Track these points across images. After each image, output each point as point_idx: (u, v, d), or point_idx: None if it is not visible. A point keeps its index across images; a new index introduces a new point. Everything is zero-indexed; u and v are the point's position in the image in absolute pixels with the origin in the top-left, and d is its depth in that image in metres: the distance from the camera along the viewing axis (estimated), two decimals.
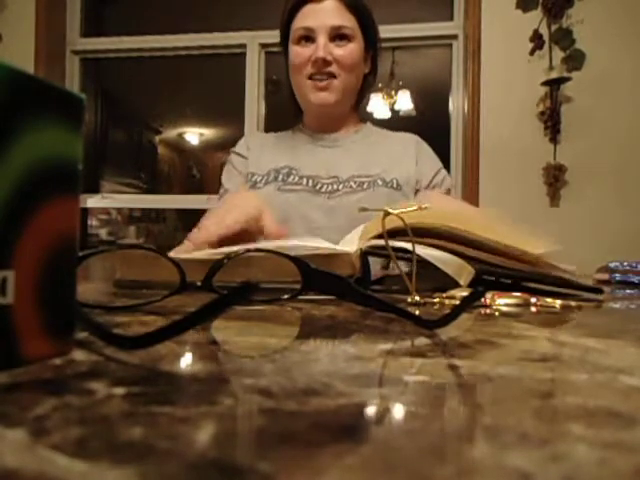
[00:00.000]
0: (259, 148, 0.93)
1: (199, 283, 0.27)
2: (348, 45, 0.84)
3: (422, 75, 2.22)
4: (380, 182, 0.84)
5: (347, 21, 0.83)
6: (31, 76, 0.13)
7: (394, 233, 0.38)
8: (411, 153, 0.90)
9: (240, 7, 2.23)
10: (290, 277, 0.29)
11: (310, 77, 0.83)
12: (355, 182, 0.84)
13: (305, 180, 0.85)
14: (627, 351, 0.18)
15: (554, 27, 1.79)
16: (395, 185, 0.85)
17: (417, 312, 0.27)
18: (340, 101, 0.86)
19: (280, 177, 0.86)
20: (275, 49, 2.20)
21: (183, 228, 2.82)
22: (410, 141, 0.93)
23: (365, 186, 0.84)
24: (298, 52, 0.84)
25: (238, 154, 0.95)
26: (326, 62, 0.82)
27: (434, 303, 0.30)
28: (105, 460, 0.08)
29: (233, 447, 0.09)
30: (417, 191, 0.88)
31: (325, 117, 0.90)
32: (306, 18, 0.83)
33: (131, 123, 2.70)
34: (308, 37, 0.84)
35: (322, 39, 0.82)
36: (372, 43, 0.89)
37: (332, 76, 0.84)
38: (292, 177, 0.86)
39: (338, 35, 0.83)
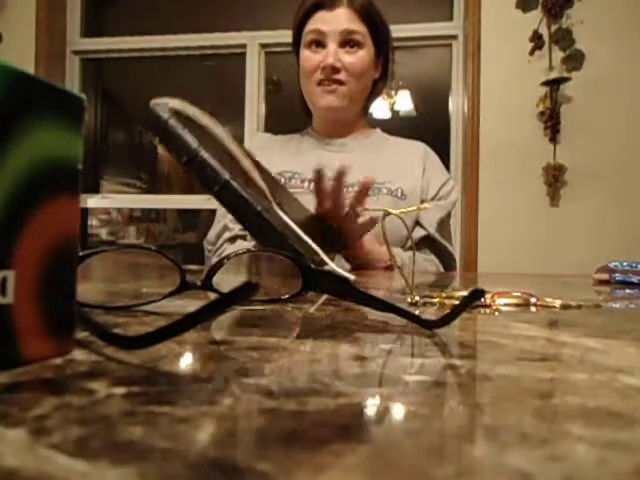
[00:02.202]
0: (266, 151, 0.92)
1: (199, 283, 0.27)
2: (358, 52, 0.84)
3: (422, 75, 2.22)
4: (385, 190, 0.84)
5: (358, 27, 0.84)
6: (31, 76, 0.13)
7: None
8: (418, 162, 0.90)
9: (240, 7, 2.23)
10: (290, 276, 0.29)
11: (319, 83, 0.84)
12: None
13: (307, 183, 0.85)
14: (627, 351, 0.18)
15: (554, 27, 1.79)
16: (400, 194, 0.84)
17: (417, 312, 0.27)
18: (347, 106, 0.86)
19: (282, 180, 0.86)
20: (275, 49, 2.21)
21: (183, 228, 2.82)
22: (418, 150, 0.93)
23: (369, 193, 0.84)
24: (308, 57, 0.85)
25: None
26: (335, 69, 0.83)
27: (434, 303, 0.30)
28: (105, 460, 0.08)
29: (233, 447, 0.09)
30: (423, 201, 0.88)
31: (332, 121, 0.90)
32: (318, 22, 0.84)
33: (131, 123, 2.70)
34: (319, 42, 0.85)
35: (332, 45, 0.83)
36: (383, 49, 0.89)
37: (340, 83, 0.84)
38: (294, 181, 0.86)
39: (349, 41, 0.84)
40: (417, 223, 0.87)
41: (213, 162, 0.45)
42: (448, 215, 0.90)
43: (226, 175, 0.45)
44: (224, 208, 0.48)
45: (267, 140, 0.97)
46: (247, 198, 0.45)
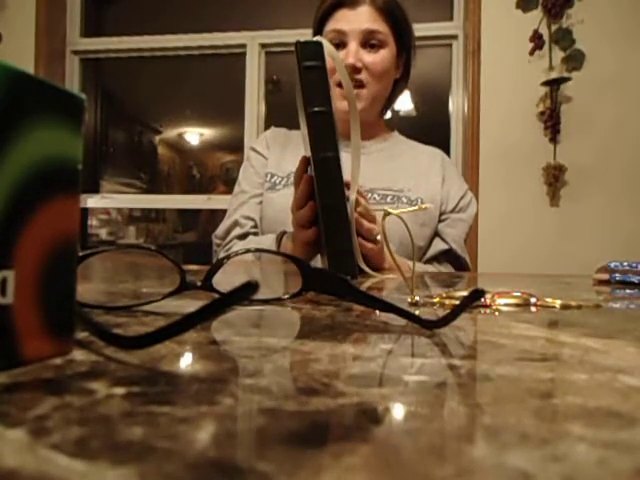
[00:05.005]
0: (280, 147, 0.91)
1: (199, 283, 0.27)
2: (379, 52, 0.83)
3: (422, 75, 2.22)
4: (405, 199, 0.83)
5: (380, 27, 0.82)
6: (31, 76, 0.13)
7: None
8: (437, 170, 0.89)
9: (240, 7, 2.23)
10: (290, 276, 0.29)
11: (339, 84, 0.81)
12: (379, 194, 0.83)
13: None
14: (627, 351, 0.18)
15: (554, 27, 1.79)
16: (420, 204, 0.84)
17: (417, 312, 0.27)
18: (366, 109, 0.84)
19: None
20: (275, 49, 2.21)
21: (183, 228, 2.82)
22: (436, 157, 0.92)
23: (389, 199, 0.83)
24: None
25: (257, 152, 0.93)
26: (356, 69, 0.81)
27: (434, 303, 0.30)
28: (105, 460, 0.08)
29: (233, 447, 0.09)
30: (442, 213, 0.87)
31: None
32: (339, 22, 0.82)
33: (131, 123, 2.70)
34: (340, 42, 0.83)
35: (353, 45, 0.81)
36: (405, 49, 0.88)
37: (361, 84, 0.82)
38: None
39: (370, 40, 0.82)
40: (436, 234, 0.87)
41: (333, 130, 0.49)
42: (469, 229, 0.89)
43: (337, 148, 0.49)
44: (316, 175, 0.50)
45: (284, 136, 0.95)
46: (341, 179, 0.50)
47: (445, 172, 0.90)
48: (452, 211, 0.87)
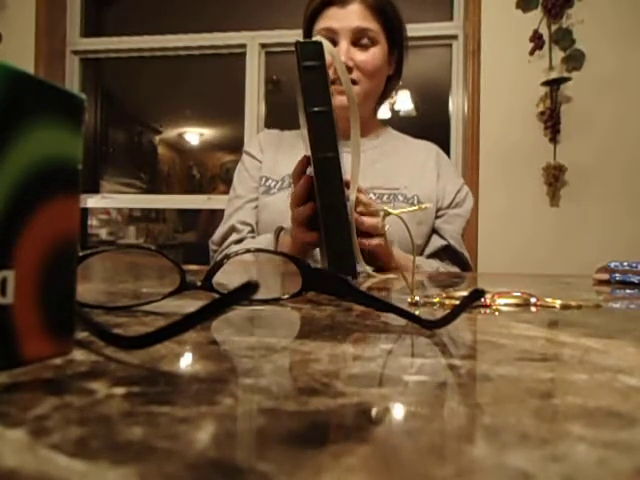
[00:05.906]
0: (274, 150, 0.90)
1: (199, 283, 0.27)
2: (370, 50, 0.82)
3: (422, 75, 2.22)
4: (401, 197, 0.83)
5: (371, 25, 0.82)
6: (31, 76, 0.13)
7: None
8: (432, 166, 0.89)
9: (240, 7, 2.23)
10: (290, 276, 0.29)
11: (331, 82, 0.81)
12: (375, 194, 0.83)
13: None
14: (627, 351, 0.18)
15: (554, 27, 1.79)
16: (416, 202, 0.83)
17: (417, 312, 0.27)
18: (359, 106, 0.84)
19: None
20: (275, 49, 2.21)
21: (183, 228, 2.82)
22: (430, 152, 0.92)
23: (385, 198, 0.83)
24: None
25: (251, 155, 0.92)
26: (347, 68, 0.80)
27: (434, 303, 0.30)
28: (105, 460, 0.08)
29: (233, 447, 0.09)
30: (439, 210, 0.87)
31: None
32: (329, 20, 0.82)
33: (131, 123, 2.70)
34: (330, 40, 0.81)
35: (344, 44, 0.81)
36: (397, 46, 0.87)
37: (353, 83, 0.82)
38: None
39: (361, 39, 0.82)
40: (434, 231, 0.86)
41: (333, 130, 0.49)
42: (467, 223, 0.89)
43: (337, 149, 0.49)
44: (316, 175, 0.50)
45: (277, 138, 0.94)
46: (341, 179, 0.49)
47: (440, 168, 0.89)
48: (449, 207, 0.87)
